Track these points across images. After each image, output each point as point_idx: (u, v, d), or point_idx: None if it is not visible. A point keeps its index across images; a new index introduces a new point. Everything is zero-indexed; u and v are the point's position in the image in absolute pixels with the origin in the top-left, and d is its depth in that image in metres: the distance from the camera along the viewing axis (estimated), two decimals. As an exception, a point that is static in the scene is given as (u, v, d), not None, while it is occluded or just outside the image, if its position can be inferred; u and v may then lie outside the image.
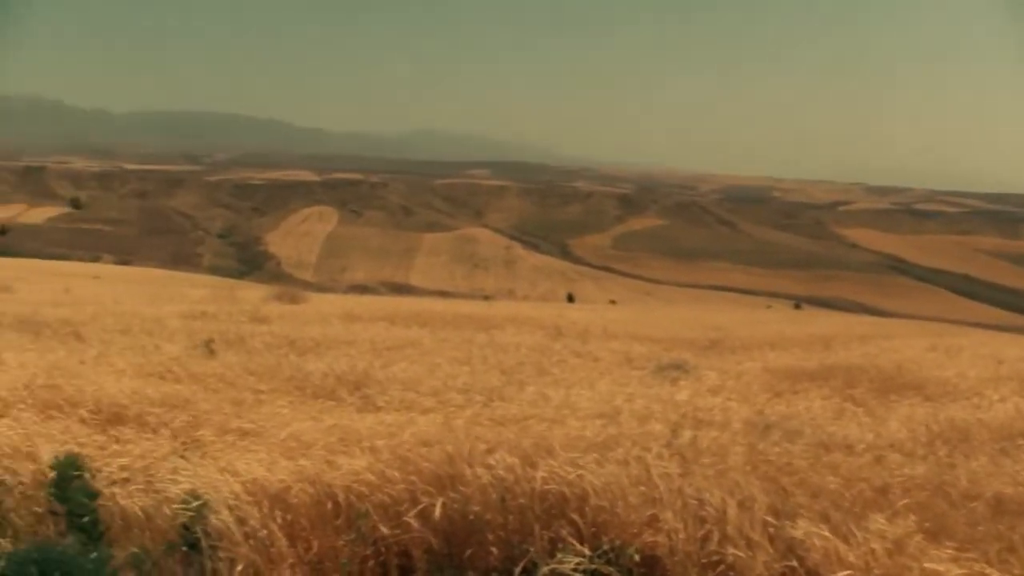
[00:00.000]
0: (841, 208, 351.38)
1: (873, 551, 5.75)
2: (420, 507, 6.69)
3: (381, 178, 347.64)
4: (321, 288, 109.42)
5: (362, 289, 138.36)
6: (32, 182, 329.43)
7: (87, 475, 6.99)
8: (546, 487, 6.70)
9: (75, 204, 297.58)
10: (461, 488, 6.82)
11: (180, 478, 6.96)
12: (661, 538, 6.22)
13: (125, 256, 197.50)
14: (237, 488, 6.80)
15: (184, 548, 6.49)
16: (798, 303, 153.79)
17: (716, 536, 6.16)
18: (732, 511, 6.25)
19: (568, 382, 12.46)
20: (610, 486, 6.61)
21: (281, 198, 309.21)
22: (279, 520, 6.63)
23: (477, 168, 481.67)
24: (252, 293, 37.94)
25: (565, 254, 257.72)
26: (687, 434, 8.15)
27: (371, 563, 6.57)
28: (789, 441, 8.35)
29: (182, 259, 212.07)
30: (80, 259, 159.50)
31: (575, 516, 6.48)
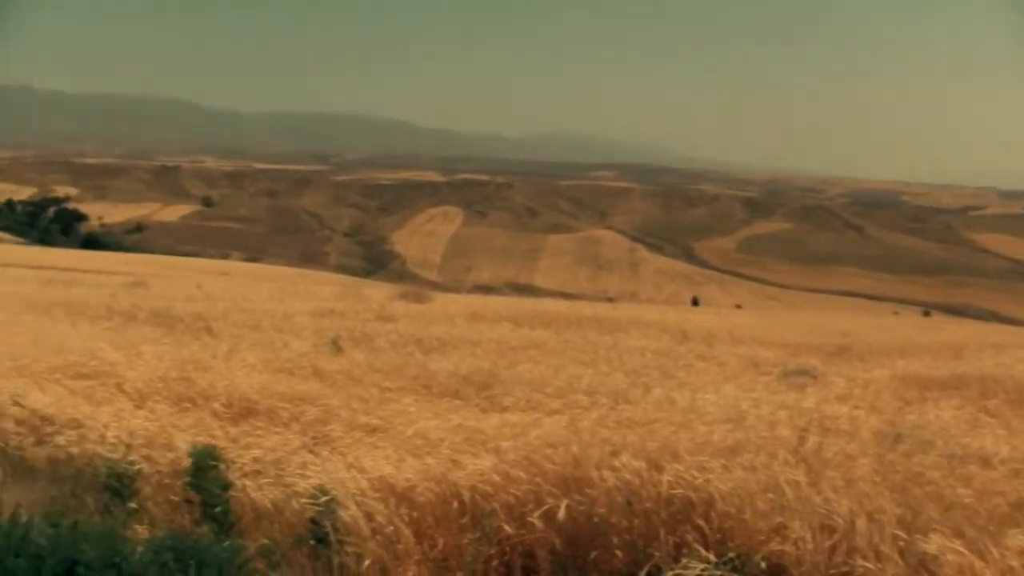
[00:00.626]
0: (972, 213, 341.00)
1: (1011, 568, 5.59)
2: (545, 508, 6.67)
3: (506, 179, 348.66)
4: (445, 288, 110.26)
5: (486, 289, 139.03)
6: (167, 181, 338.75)
7: (221, 466, 7.16)
8: (672, 491, 6.63)
9: (207, 203, 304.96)
10: (587, 490, 6.79)
11: (309, 473, 7.08)
12: (788, 547, 6.11)
13: (254, 253, 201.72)
14: (364, 484, 6.89)
15: (312, 542, 6.60)
16: (927, 310, 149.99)
17: (844, 547, 6.03)
18: (861, 522, 6.11)
19: (693, 386, 12.30)
20: (737, 492, 6.51)
21: (407, 198, 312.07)
22: (405, 517, 6.70)
23: (602, 170, 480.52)
24: (378, 292, 38.41)
25: (690, 257, 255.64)
26: (814, 442, 8.01)
27: (495, 562, 6.58)
28: (920, 452, 8.14)
29: (309, 257, 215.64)
30: (211, 256, 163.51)
31: (701, 522, 6.40)
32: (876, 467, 7.43)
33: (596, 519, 6.67)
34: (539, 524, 6.61)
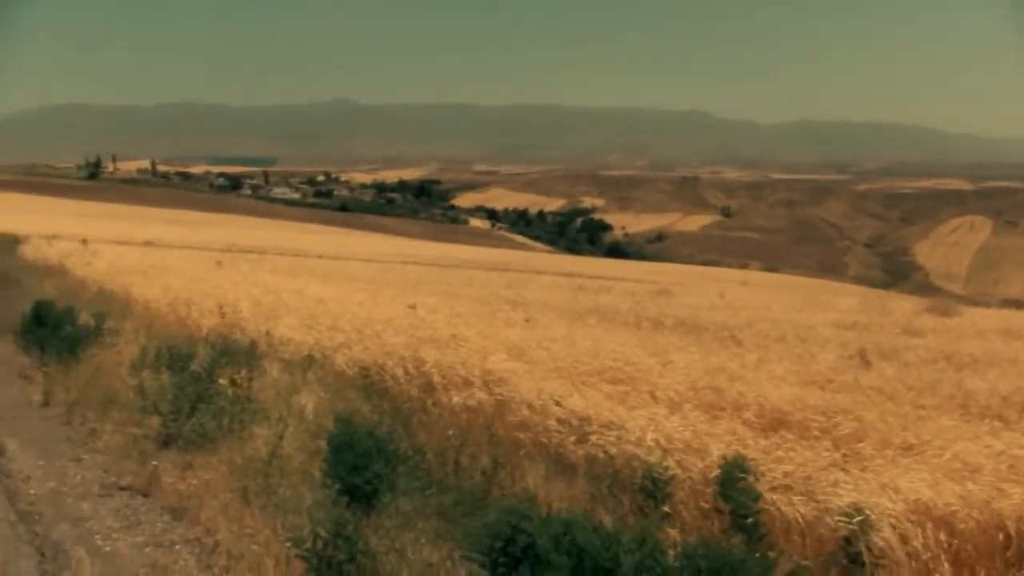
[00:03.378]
0: None
1: None
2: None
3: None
4: (972, 301, 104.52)
5: (1017, 304, 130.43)
6: (687, 192, 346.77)
7: (751, 477, 7.16)
8: None
9: (726, 213, 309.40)
10: None
11: (841, 491, 6.92)
12: None
13: (772, 263, 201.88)
14: (900, 507, 6.66)
15: (843, 562, 6.45)
16: None
17: None
18: None
19: None
20: None
21: (930, 207, 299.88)
22: (944, 545, 6.42)
23: None
24: (901, 304, 37.12)
25: None
26: None
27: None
28: None
29: (828, 268, 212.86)
30: (729, 265, 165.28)
31: None
32: None
33: None
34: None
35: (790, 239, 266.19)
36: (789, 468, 7.53)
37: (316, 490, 7.70)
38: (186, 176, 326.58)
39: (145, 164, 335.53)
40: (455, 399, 10.44)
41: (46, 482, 8.71)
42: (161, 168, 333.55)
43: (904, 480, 7.10)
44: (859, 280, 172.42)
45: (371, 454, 7.43)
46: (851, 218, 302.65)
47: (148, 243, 49.63)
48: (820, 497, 6.96)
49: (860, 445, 8.29)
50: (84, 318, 14.55)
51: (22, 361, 14.23)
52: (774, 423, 9.24)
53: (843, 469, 7.43)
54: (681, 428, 8.53)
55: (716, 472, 7.36)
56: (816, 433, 8.78)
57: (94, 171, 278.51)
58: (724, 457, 7.45)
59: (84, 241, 40.06)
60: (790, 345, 16.80)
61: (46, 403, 11.81)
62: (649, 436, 8.25)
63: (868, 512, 6.50)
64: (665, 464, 7.59)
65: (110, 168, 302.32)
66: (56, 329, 13.95)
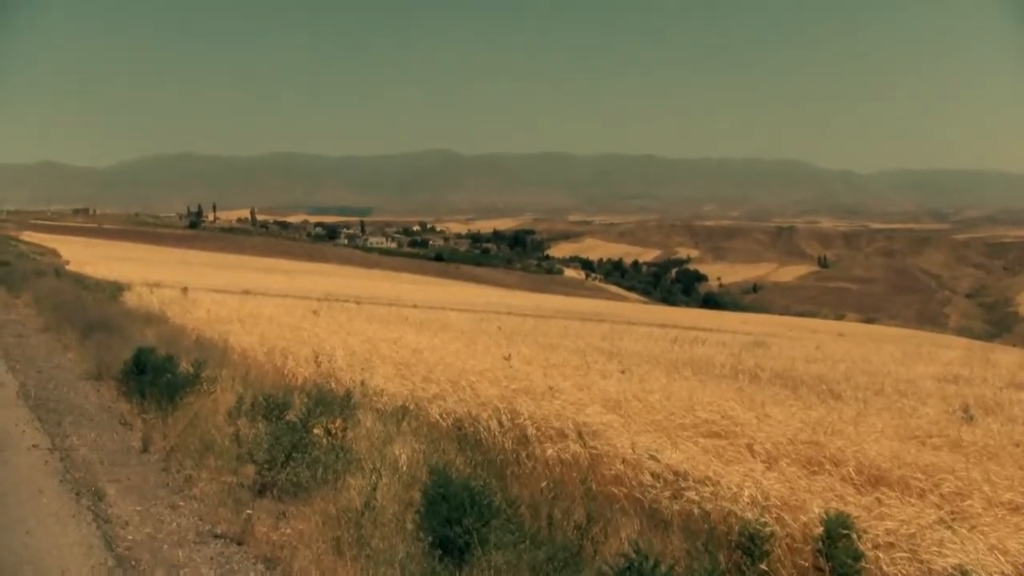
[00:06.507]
0: None
1: None
2: None
3: None
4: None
5: None
6: (783, 242, 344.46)
7: (853, 535, 7.00)
8: None
9: (822, 263, 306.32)
10: None
11: (947, 550, 6.74)
12: None
13: (869, 314, 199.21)
14: (1008, 569, 6.47)
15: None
16: None
17: None
18: None
19: None
20: None
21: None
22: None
23: None
24: (1005, 357, 36.26)
25: None
26: None
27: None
28: None
29: (927, 319, 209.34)
30: (825, 316, 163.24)
31: None
32: None
33: None
34: None
35: (888, 289, 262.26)
36: (891, 526, 7.36)
37: (409, 542, 7.68)
38: (284, 225, 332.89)
39: (245, 213, 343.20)
40: (549, 452, 10.35)
41: (143, 528, 8.80)
42: (260, 217, 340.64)
43: (1013, 541, 6.90)
44: (960, 332, 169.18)
45: (464, 507, 7.41)
46: (951, 268, 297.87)
47: (246, 291, 50.33)
48: (924, 556, 6.79)
49: (966, 504, 8.08)
50: (183, 365, 14.74)
51: (123, 407, 14.43)
52: (874, 479, 9.06)
53: (949, 527, 7.24)
54: (778, 484, 8.38)
55: (816, 529, 7.21)
56: (919, 490, 8.58)
57: (195, 220, 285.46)
58: (826, 514, 7.30)
59: (184, 289, 40.72)
60: (890, 399, 16.48)
61: (145, 449, 11.94)
62: (746, 492, 8.12)
63: (975, 573, 6.32)
64: (763, 520, 7.45)
65: (211, 217, 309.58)
66: (156, 376, 14.13)
